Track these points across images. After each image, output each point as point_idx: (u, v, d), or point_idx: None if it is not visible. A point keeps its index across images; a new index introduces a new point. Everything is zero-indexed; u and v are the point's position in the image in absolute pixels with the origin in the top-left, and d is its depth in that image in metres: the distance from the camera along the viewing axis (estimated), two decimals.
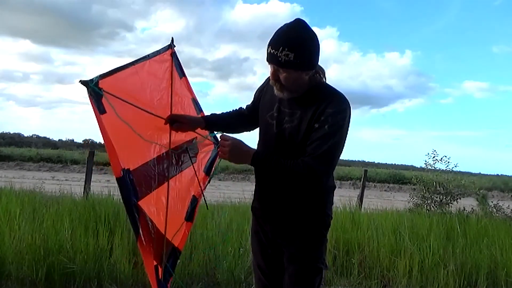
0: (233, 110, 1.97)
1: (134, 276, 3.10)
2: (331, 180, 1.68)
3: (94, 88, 1.53)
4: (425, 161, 7.45)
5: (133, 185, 1.64)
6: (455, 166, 7.23)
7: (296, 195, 1.60)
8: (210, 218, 4.08)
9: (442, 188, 6.82)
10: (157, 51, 1.94)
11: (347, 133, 1.53)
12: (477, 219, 5.21)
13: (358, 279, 3.53)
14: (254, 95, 1.86)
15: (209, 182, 2.30)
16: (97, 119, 1.53)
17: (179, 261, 3.14)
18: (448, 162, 7.21)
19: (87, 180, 5.80)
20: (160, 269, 1.78)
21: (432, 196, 6.84)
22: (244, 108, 1.94)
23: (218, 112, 1.95)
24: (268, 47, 1.49)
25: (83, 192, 5.55)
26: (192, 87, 2.22)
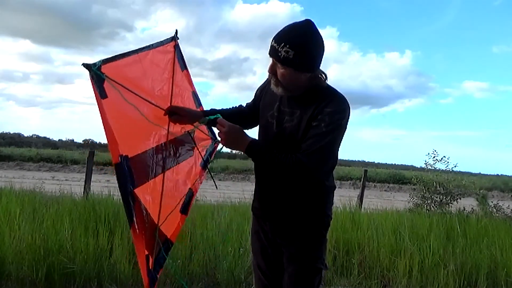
0: (233, 107, 1.97)
1: (134, 276, 3.10)
2: (331, 180, 1.68)
3: (96, 72, 1.52)
4: (425, 161, 7.46)
5: (131, 173, 1.62)
6: (455, 166, 7.25)
7: (296, 195, 1.60)
8: (210, 218, 4.08)
9: (442, 188, 6.82)
10: (161, 41, 1.93)
11: (344, 134, 1.53)
12: (477, 219, 5.20)
13: (358, 279, 3.53)
14: (255, 93, 1.86)
15: (207, 170, 2.27)
16: (97, 103, 1.52)
17: (179, 261, 3.17)
18: (448, 162, 7.22)
19: (87, 180, 5.80)
20: (151, 259, 1.78)
21: (432, 196, 6.84)
22: (244, 106, 1.94)
23: (218, 108, 1.94)
24: (272, 40, 1.50)
25: (83, 192, 5.55)
26: (192, 81, 2.21)
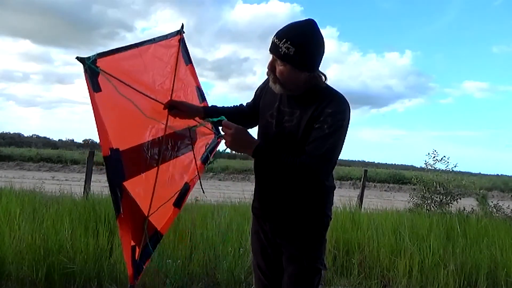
0: (234, 105, 1.96)
1: None
2: (331, 181, 1.68)
3: (90, 65, 1.53)
4: (425, 161, 7.46)
5: (121, 165, 1.64)
6: (455, 166, 7.25)
7: (296, 195, 1.60)
8: (210, 218, 4.08)
9: (442, 188, 6.82)
10: (165, 35, 1.93)
11: (346, 134, 1.53)
12: (477, 219, 5.20)
13: (358, 279, 3.53)
14: (255, 93, 1.85)
15: (208, 164, 2.26)
16: (90, 97, 1.53)
17: (179, 261, 3.16)
18: (448, 162, 7.22)
19: (87, 180, 5.80)
20: (137, 250, 1.79)
21: (432, 196, 6.84)
22: (245, 105, 1.93)
23: (220, 105, 1.95)
24: (274, 36, 1.50)
25: (83, 192, 5.55)
26: (197, 75, 2.20)
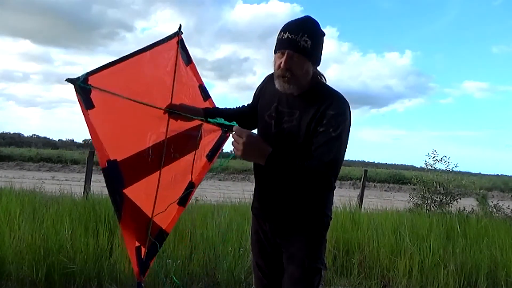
0: (236, 107, 1.95)
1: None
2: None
3: (81, 85, 1.57)
4: (425, 161, 7.46)
5: (120, 175, 1.70)
6: (455, 166, 7.25)
7: (296, 196, 1.59)
8: (210, 218, 4.08)
9: (442, 188, 6.82)
10: (162, 39, 1.93)
11: (349, 134, 1.53)
12: (477, 219, 5.20)
13: (358, 279, 3.53)
14: (254, 93, 1.85)
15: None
16: (83, 115, 1.58)
17: (179, 261, 3.16)
18: (448, 162, 7.22)
19: (87, 180, 5.80)
20: (143, 249, 1.86)
21: (432, 196, 6.84)
22: (246, 106, 1.92)
23: (221, 106, 1.95)
24: (284, 33, 1.48)
25: (83, 192, 5.54)
26: (199, 74, 2.18)
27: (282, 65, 1.49)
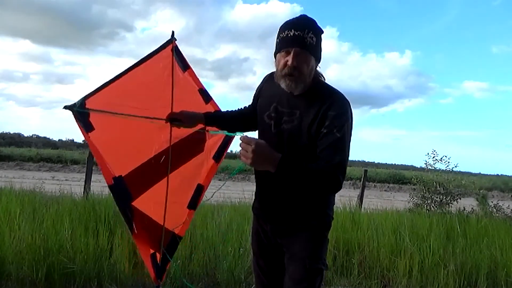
0: (237, 109, 1.95)
1: (134, 276, 3.10)
2: None
3: (78, 110, 1.64)
4: (425, 161, 7.46)
5: (126, 189, 1.77)
6: (455, 166, 7.24)
7: (298, 196, 1.58)
8: (210, 218, 4.08)
9: (442, 188, 6.82)
10: (156, 49, 1.95)
11: (352, 132, 1.52)
12: (477, 219, 5.20)
13: (358, 279, 3.53)
14: (254, 94, 1.84)
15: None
16: (85, 138, 1.67)
17: (179, 261, 3.17)
18: (448, 162, 7.22)
19: (87, 180, 5.79)
20: (158, 255, 1.93)
21: (432, 196, 6.84)
22: (247, 107, 1.91)
23: (222, 107, 1.96)
24: (289, 30, 1.46)
25: (83, 192, 5.54)
26: (198, 77, 2.20)
27: (289, 63, 1.46)
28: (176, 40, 2.03)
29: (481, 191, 7.82)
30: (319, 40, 1.49)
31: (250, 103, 1.90)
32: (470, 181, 7.61)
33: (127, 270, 3.07)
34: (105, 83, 1.75)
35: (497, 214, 6.27)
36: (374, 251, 3.83)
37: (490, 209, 6.54)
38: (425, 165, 7.47)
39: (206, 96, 2.18)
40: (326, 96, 1.51)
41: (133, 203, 1.80)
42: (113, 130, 1.78)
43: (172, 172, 1.99)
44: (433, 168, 7.33)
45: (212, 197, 2.19)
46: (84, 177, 5.94)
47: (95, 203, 4.18)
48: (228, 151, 2.29)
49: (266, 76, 1.77)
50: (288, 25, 1.48)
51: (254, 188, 1.77)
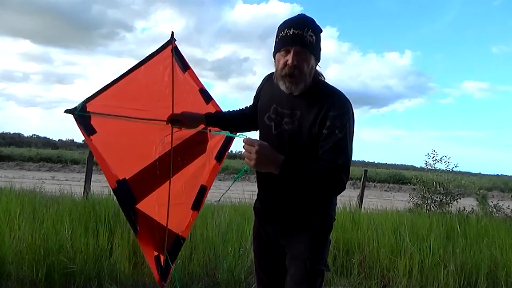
0: (238, 109, 1.94)
1: (134, 276, 3.09)
2: None
3: (79, 114, 1.65)
4: (425, 161, 7.47)
5: (130, 192, 1.77)
6: (455, 166, 7.25)
7: (300, 197, 1.56)
8: (210, 218, 4.08)
9: (442, 188, 6.82)
10: (156, 50, 1.94)
11: (354, 131, 1.50)
12: (477, 219, 5.20)
13: (358, 279, 3.53)
14: (254, 95, 1.83)
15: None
16: (86, 141, 1.67)
17: (179, 261, 3.17)
18: (448, 162, 7.22)
19: (87, 180, 5.79)
20: (162, 257, 1.93)
21: (432, 196, 6.85)
22: (248, 107, 1.90)
23: (222, 107, 1.96)
24: (288, 29, 1.44)
25: (83, 192, 5.54)
26: (198, 77, 2.20)
27: (289, 62, 1.43)
28: (175, 40, 2.02)
29: (481, 191, 7.81)
30: (318, 39, 1.48)
31: (250, 103, 1.89)
32: (470, 181, 7.62)
33: (127, 270, 3.07)
34: (105, 86, 1.75)
35: (497, 214, 6.27)
36: (374, 251, 3.82)
37: (490, 209, 6.54)
38: (425, 165, 7.48)
39: (206, 96, 2.18)
40: (326, 96, 1.49)
41: (137, 206, 1.80)
42: (115, 133, 1.78)
43: (176, 173, 1.99)
44: (433, 168, 7.34)
45: (219, 200, 2.20)
46: (84, 177, 5.94)
47: (95, 203, 4.18)
48: (229, 151, 2.29)
49: (266, 76, 1.75)
50: (287, 24, 1.47)
51: (254, 188, 1.77)
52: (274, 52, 1.54)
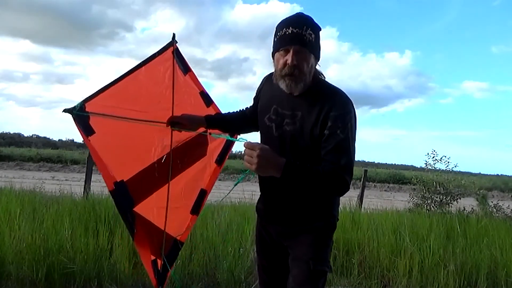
0: (238, 110, 1.92)
1: (134, 276, 3.09)
2: None
3: (78, 113, 1.63)
4: (425, 161, 7.48)
5: (128, 194, 1.75)
6: (455, 166, 7.25)
7: (302, 197, 1.55)
8: (210, 218, 4.08)
9: (442, 188, 6.82)
10: (157, 51, 1.93)
11: (356, 130, 1.49)
12: (477, 219, 5.21)
13: (358, 279, 3.53)
14: (254, 96, 1.82)
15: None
16: (85, 142, 1.65)
17: (179, 261, 3.17)
18: (448, 162, 7.23)
19: (87, 180, 5.79)
20: (159, 262, 1.90)
21: (432, 196, 6.85)
22: (248, 108, 1.88)
23: (222, 107, 1.95)
24: (287, 28, 1.42)
25: (83, 192, 5.54)
26: (197, 77, 2.19)
27: (289, 62, 1.42)
28: (177, 42, 2.01)
29: (481, 191, 7.82)
30: (317, 37, 1.46)
31: (250, 103, 1.88)
32: (470, 181, 7.62)
33: (127, 270, 3.07)
34: (105, 86, 1.73)
35: (497, 214, 6.28)
36: (374, 251, 3.82)
37: (490, 209, 6.55)
38: (425, 165, 7.49)
39: (207, 99, 2.17)
40: (327, 96, 1.47)
41: (135, 209, 1.78)
42: (114, 134, 1.76)
43: (176, 176, 1.97)
44: (433, 168, 7.34)
45: (222, 200, 2.18)
46: (84, 177, 5.94)
47: (95, 203, 4.18)
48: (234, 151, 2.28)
49: (265, 77, 1.74)
50: (285, 23, 1.45)
51: (254, 188, 1.76)
52: (273, 51, 1.52)
